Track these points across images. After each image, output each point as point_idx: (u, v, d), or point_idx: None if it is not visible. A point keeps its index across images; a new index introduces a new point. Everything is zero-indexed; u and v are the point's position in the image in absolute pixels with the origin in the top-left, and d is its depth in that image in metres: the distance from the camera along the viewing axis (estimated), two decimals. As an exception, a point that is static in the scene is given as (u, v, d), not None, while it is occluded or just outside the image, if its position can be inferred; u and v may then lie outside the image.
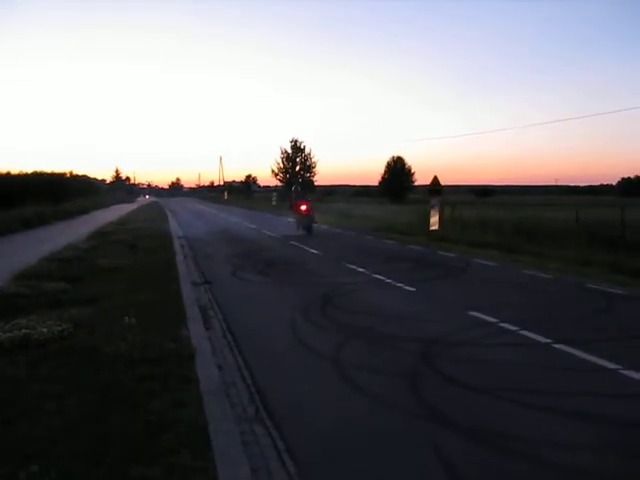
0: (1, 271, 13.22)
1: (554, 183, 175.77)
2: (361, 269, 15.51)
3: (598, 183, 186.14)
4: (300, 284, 13.63)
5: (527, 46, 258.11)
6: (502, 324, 9.35)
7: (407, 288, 12.70)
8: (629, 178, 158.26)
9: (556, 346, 8.11)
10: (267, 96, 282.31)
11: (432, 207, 26.41)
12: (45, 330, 7.92)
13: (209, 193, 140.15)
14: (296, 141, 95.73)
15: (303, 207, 28.07)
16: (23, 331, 7.82)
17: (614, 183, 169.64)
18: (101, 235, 24.77)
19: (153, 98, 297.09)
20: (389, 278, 13.89)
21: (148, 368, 6.55)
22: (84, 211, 47.29)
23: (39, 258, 15.66)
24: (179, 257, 17.93)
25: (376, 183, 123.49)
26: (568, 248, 18.93)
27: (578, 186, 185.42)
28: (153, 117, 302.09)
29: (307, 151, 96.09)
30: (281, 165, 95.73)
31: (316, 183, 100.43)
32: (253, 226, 34.41)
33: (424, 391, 6.45)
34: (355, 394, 6.40)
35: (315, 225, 28.34)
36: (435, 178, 26.84)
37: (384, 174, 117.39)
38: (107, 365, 6.69)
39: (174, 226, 33.82)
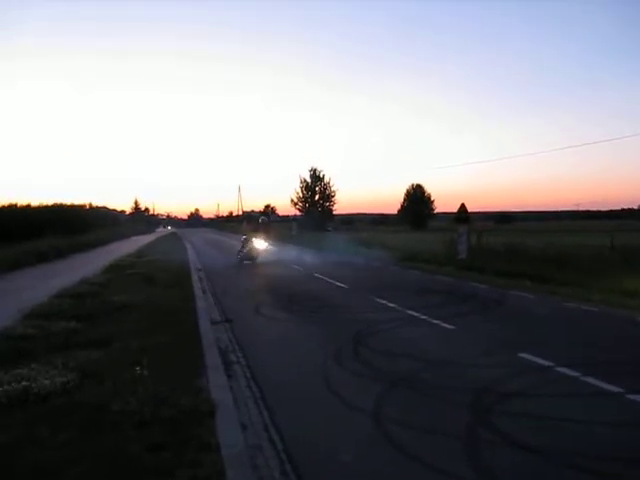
0: (10, 309, 12.44)
1: (575, 208, 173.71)
2: (392, 304, 14.50)
3: (619, 207, 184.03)
4: (328, 322, 12.65)
5: (550, 68, 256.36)
6: (559, 368, 8.30)
7: (445, 325, 11.68)
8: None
9: (630, 397, 7.06)
10: (286, 125, 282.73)
11: (459, 235, 25.41)
12: (47, 382, 7.06)
13: (229, 223, 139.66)
14: (315, 170, 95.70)
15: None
16: (23, 383, 6.99)
17: (635, 207, 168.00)
18: (118, 268, 24.00)
19: (173, 128, 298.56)
20: (424, 314, 12.87)
21: (161, 432, 5.63)
22: (102, 243, 46.79)
23: (51, 294, 14.87)
24: (197, 292, 17.06)
25: (394, 211, 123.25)
26: (605, 277, 17.88)
27: (600, 210, 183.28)
28: (172, 147, 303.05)
29: (326, 180, 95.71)
30: (300, 194, 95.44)
31: (335, 212, 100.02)
32: (273, 257, 33.51)
33: (482, 456, 5.45)
34: (403, 460, 5.39)
35: (338, 255, 27.56)
36: (462, 206, 25.95)
37: (403, 202, 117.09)
38: (114, 428, 5.76)
39: (193, 258, 32.99)
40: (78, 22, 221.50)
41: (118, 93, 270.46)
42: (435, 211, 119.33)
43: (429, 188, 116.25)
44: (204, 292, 17.57)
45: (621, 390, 7.26)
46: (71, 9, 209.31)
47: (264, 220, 31.40)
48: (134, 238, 67.01)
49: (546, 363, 8.60)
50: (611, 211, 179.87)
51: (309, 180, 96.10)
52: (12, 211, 40.37)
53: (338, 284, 19.32)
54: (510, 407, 6.77)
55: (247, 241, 28.88)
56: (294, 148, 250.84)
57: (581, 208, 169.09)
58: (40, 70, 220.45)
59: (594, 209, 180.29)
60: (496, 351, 9.60)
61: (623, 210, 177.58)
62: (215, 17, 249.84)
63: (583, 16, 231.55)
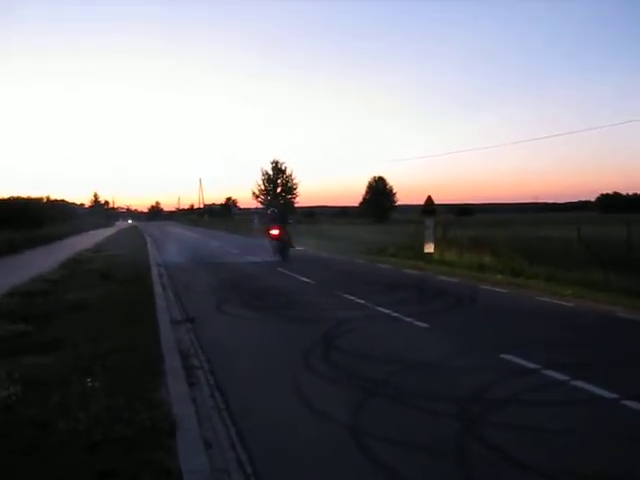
0: (-48, 311, 11.54)
1: (533, 200, 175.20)
2: (360, 300, 13.90)
3: (577, 199, 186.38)
4: (295, 321, 11.99)
5: (505, 63, 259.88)
6: (546, 371, 7.75)
7: (418, 324, 11.10)
8: (608, 194, 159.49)
9: (626, 403, 6.54)
10: (246, 118, 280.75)
11: (426, 228, 24.91)
12: (-15, 396, 6.30)
13: (189, 216, 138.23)
14: (277, 162, 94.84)
15: (275, 232, 25.76)
16: (-43, 399, 6.21)
17: (593, 199, 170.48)
18: (74, 263, 23.10)
19: (132, 122, 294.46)
20: (395, 311, 12.28)
21: (114, 456, 4.93)
22: (60, 237, 45.45)
23: (0, 294, 13.96)
24: (157, 288, 16.27)
25: (356, 204, 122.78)
26: (574, 270, 17.55)
27: (557, 203, 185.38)
28: (132, 141, 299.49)
29: (288, 172, 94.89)
30: (262, 187, 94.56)
31: (296, 205, 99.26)
32: (235, 251, 32.77)
33: (476, 476, 4.88)
34: (390, 485, 4.80)
35: (301, 249, 26.77)
36: (429, 198, 25.42)
37: (365, 194, 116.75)
38: (60, 452, 5.04)
39: (152, 253, 32.03)
40: (44, 21, 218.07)
41: (78, 89, 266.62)
42: (397, 203, 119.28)
43: (391, 181, 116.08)
44: (164, 288, 16.78)
45: (615, 396, 6.74)
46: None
47: (274, 211, 29.17)
48: (93, 232, 65.62)
49: (531, 365, 8.06)
50: (569, 203, 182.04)
51: (271, 172, 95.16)
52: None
53: (303, 279, 18.67)
54: (500, 417, 6.18)
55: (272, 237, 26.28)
56: (255, 141, 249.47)
57: (540, 200, 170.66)
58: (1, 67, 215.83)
59: (551, 201, 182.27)
60: (476, 352, 9.06)
61: (580, 202, 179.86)
62: (173, 16, 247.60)
63: (530, 13, 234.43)
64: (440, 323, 11.27)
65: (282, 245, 25.75)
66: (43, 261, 24.03)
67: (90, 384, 6.63)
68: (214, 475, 4.85)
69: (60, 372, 7.45)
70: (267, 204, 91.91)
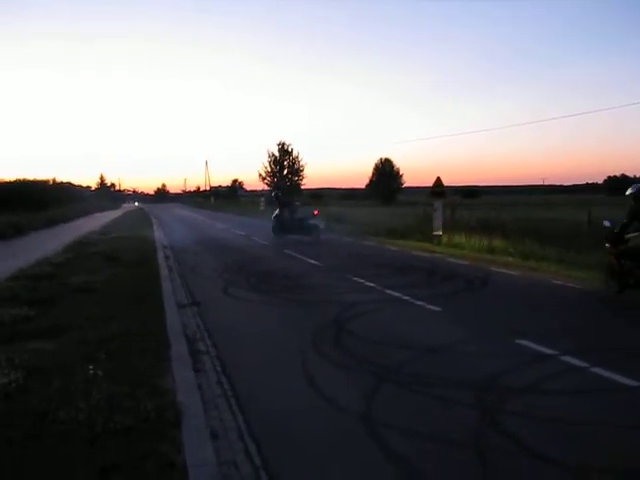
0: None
1: (541, 183, 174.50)
2: (370, 283, 13.63)
3: (584, 182, 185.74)
4: (303, 304, 11.73)
5: (511, 45, 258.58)
6: (563, 357, 7.49)
7: (430, 307, 10.85)
8: (615, 177, 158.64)
9: (650, 391, 6.29)
10: (253, 99, 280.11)
11: (435, 210, 24.57)
12: (-15, 384, 6.08)
13: (195, 198, 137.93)
14: (284, 144, 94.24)
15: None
16: (-45, 387, 6.00)
17: (600, 182, 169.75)
18: (80, 246, 22.82)
19: (138, 103, 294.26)
20: (405, 294, 12.02)
21: (115, 447, 4.71)
22: (66, 219, 45.20)
23: (4, 277, 13.76)
24: (163, 271, 16.04)
25: (362, 186, 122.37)
26: (585, 252, 17.24)
27: (564, 185, 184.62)
28: (138, 123, 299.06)
29: (295, 154, 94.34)
30: (269, 169, 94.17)
31: (303, 187, 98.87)
32: (242, 233, 32.52)
33: (495, 468, 4.64)
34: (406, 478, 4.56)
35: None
36: (438, 179, 24.99)
37: (372, 176, 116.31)
38: (59, 443, 4.81)
39: (159, 235, 31.80)
40: (45, 7, 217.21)
41: (85, 71, 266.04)
42: (403, 185, 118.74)
43: (397, 162, 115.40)
44: (170, 271, 16.55)
45: (638, 384, 6.48)
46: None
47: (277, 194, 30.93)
48: (99, 214, 65.34)
49: (548, 351, 7.79)
50: (576, 185, 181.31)
51: (277, 154, 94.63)
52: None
53: (311, 262, 18.41)
54: (518, 406, 5.92)
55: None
56: (262, 123, 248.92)
57: (547, 183, 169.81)
58: (4, 52, 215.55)
59: (558, 183, 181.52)
60: (490, 337, 8.79)
61: (587, 184, 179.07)
62: (183, 1, 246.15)
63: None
64: (452, 306, 11.00)
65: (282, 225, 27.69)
66: (48, 244, 23.80)
67: (92, 371, 6.38)
68: (221, 468, 4.62)
69: (62, 358, 7.24)
70: (273, 186, 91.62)
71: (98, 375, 6.31)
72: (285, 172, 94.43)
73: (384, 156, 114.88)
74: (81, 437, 4.89)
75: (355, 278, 14.49)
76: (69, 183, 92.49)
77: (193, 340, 8.71)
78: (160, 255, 20.24)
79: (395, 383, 6.75)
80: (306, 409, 6.06)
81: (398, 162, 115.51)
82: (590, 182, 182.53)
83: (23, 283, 12.87)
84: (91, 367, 6.51)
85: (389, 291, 12.55)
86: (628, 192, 12.20)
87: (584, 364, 7.20)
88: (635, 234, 11.79)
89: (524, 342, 8.24)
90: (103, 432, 4.96)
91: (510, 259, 18.20)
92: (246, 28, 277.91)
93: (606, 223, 12.95)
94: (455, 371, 7.14)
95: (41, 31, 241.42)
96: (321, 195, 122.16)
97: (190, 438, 5.02)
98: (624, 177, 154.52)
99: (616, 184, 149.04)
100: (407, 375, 7.00)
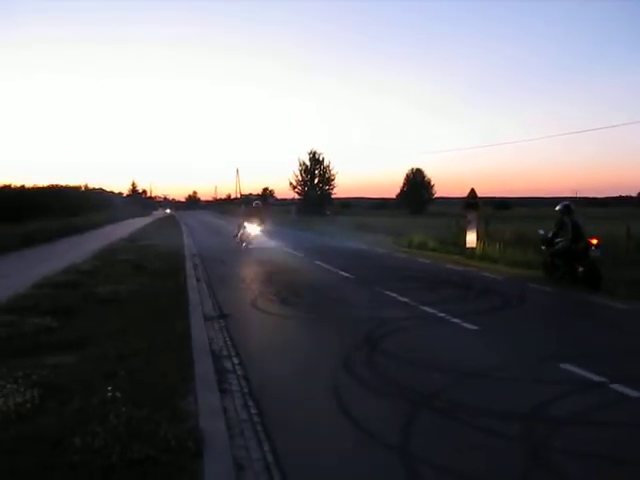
0: (-20, 302, 11.12)
1: (573, 195, 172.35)
2: (403, 298, 13.13)
3: (617, 194, 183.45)
4: (334, 319, 11.27)
5: (544, 56, 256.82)
6: (614, 386, 6.96)
7: (467, 326, 10.33)
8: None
9: None
10: (285, 109, 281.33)
11: (468, 222, 24.03)
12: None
13: (225, 206, 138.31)
14: (315, 153, 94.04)
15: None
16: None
17: (633, 194, 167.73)
18: (108, 254, 22.66)
19: (170, 111, 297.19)
20: (441, 311, 11.51)
21: (131, 482, 4.32)
22: (96, 226, 45.39)
23: (30, 284, 13.56)
24: (191, 281, 15.71)
25: (392, 196, 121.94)
26: (625, 269, 16.59)
27: (597, 198, 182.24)
28: (170, 130, 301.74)
29: (326, 163, 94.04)
30: (299, 177, 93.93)
31: (333, 196, 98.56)
32: (272, 243, 32.14)
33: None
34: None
35: (339, 241, 26.42)
36: (472, 191, 24.42)
37: (403, 186, 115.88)
38: (70, 476, 4.43)
39: (188, 243, 31.57)
40: (75, 12, 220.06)
41: (118, 78, 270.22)
42: (435, 195, 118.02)
43: (428, 173, 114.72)
44: (198, 281, 16.25)
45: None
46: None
47: (257, 204, 30.23)
48: (130, 221, 65.57)
49: (596, 378, 7.26)
50: (608, 198, 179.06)
51: (308, 163, 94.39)
52: (4, 192, 39.04)
53: (342, 273, 17.95)
54: (573, 442, 5.39)
55: (241, 225, 28.12)
56: (293, 132, 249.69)
57: (579, 195, 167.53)
58: (40, 58, 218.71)
59: (591, 196, 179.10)
60: (532, 360, 8.25)
61: (620, 197, 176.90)
62: (213, 6, 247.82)
63: (574, 7, 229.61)
64: (490, 325, 10.47)
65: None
66: (77, 251, 23.69)
67: (110, 393, 5.99)
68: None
69: (82, 375, 6.91)
70: (304, 194, 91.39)
71: (117, 397, 5.92)
72: (316, 181, 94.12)
73: (415, 166, 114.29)
74: (95, 470, 4.50)
75: (387, 292, 14.00)
76: (101, 189, 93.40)
77: (219, 357, 8.34)
78: (188, 264, 19.90)
79: (434, 411, 6.27)
80: (337, 438, 5.62)
81: (429, 172, 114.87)
82: (623, 195, 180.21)
83: (47, 292, 12.64)
84: (109, 388, 6.12)
85: (424, 307, 12.03)
86: (557, 208, 16.42)
87: (636, 394, 6.66)
88: (561, 239, 15.85)
89: (569, 367, 7.71)
90: (119, 463, 4.57)
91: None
92: (279, 36, 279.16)
93: (540, 231, 17.52)
94: (496, 398, 6.63)
95: (85, 35, 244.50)
96: (350, 204, 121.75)
97: (212, 472, 4.62)
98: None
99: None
100: (446, 402, 6.51)
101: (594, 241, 15.03)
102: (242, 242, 27.47)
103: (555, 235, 16.18)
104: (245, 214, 29.09)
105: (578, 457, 5.10)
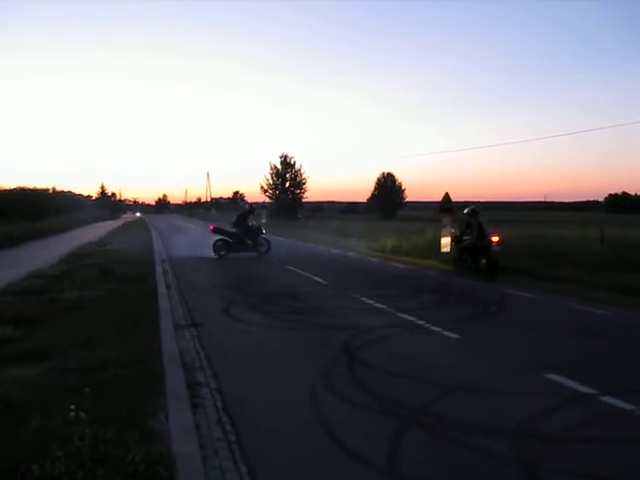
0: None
1: (542, 199, 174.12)
2: (380, 305, 12.82)
3: (585, 199, 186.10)
4: (310, 328, 10.88)
5: (514, 62, 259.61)
6: (604, 398, 6.69)
7: (448, 334, 10.02)
8: (616, 194, 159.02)
9: None
10: (254, 113, 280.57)
11: (443, 227, 23.80)
12: (-48, 423, 5.30)
13: (195, 209, 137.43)
14: (286, 157, 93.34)
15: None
16: None
17: (600, 199, 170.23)
18: (75, 258, 22.09)
19: (140, 114, 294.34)
20: (420, 318, 11.20)
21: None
22: (64, 229, 44.56)
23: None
24: (161, 287, 15.23)
25: (363, 200, 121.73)
26: (601, 273, 16.55)
27: (564, 202, 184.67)
28: (140, 133, 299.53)
29: (297, 167, 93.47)
30: (270, 181, 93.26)
31: (304, 200, 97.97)
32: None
33: None
34: None
35: (312, 245, 25.98)
36: (447, 195, 24.21)
37: (374, 190, 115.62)
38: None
39: (158, 247, 30.97)
40: (48, 18, 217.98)
41: (87, 82, 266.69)
42: (405, 200, 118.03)
43: (399, 177, 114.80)
44: (168, 287, 15.76)
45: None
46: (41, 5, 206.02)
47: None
48: (99, 224, 64.66)
49: (584, 389, 6.99)
50: (576, 202, 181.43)
51: (279, 166, 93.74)
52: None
53: (315, 279, 17.61)
54: (569, 462, 5.06)
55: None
56: (263, 135, 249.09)
57: (548, 199, 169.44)
58: (6, 63, 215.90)
59: (559, 200, 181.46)
60: (516, 370, 7.97)
61: (588, 202, 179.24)
62: (182, 12, 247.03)
63: (549, 14, 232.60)
64: (471, 333, 10.17)
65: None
66: (43, 255, 23.04)
67: (74, 413, 5.55)
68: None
69: (44, 390, 6.46)
70: (276, 199, 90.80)
71: (80, 416, 5.48)
72: (287, 185, 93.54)
73: (386, 170, 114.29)
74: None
75: (363, 298, 13.69)
76: (69, 192, 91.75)
77: (191, 368, 7.93)
78: (158, 270, 19.34)
79: (420, 427, 5.92)
80: (324, 464, 5.22)
81: (400, 177, 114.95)
82: (591, 199, 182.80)
83: (10, 299, 12.14)
84: (73, 407, 5.66)
85: (401, 314, 11.74)
86: (465, 211, 19.68)
87: (629, 406, 6.40)
88: (468, 237, 18.90)
89: (555, 377, 7.46)
90: (82, 492, 4.16)
91: (524, 280, 17.36)
92: (251, 41, 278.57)
93: (452, 230, 21.50)
94: (482, 412, 6.31)
95: (40, 40, 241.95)
96: (321, 208, 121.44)
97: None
98: (625, 195, 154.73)
99: (617, 202, 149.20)
100: (434, 417, 6.16)
101: (495, 238, 18.08)
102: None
103: (463, 234, 19.44)
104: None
105: (566, 475, 4.78)
